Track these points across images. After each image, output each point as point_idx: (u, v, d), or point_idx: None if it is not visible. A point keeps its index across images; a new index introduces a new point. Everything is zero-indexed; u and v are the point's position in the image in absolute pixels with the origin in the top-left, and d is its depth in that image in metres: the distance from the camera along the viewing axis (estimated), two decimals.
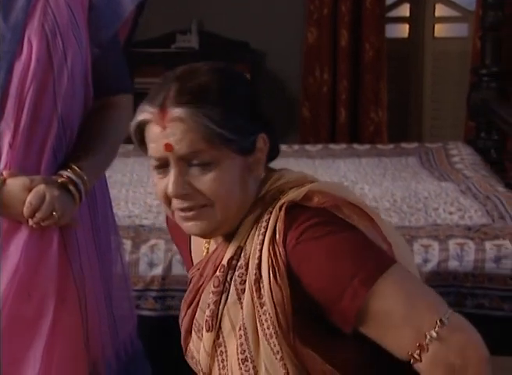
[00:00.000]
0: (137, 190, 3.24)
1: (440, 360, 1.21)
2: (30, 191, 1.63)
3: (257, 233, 1.32)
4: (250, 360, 1.30)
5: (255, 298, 1.30)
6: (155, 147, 1.30)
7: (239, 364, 1.31)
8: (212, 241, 1.43)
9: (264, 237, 1.31)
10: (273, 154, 1.40)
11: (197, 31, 4.81)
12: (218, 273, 1.35)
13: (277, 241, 1.29)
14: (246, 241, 1.34)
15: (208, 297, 1.36)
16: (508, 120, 3.67)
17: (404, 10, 5.13)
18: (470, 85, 4.33)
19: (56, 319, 1.69)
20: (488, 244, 2.65)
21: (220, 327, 1.34)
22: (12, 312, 1.63)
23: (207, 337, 1.36)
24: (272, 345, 1.29)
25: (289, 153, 3.78)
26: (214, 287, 1.35)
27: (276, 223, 1.30)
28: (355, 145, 4.10)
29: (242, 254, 1.33)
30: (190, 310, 1.42)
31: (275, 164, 1.47)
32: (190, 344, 1.43)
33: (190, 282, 1.44)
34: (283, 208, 1.31)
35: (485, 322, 2.17)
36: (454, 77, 4.98)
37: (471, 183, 3.25)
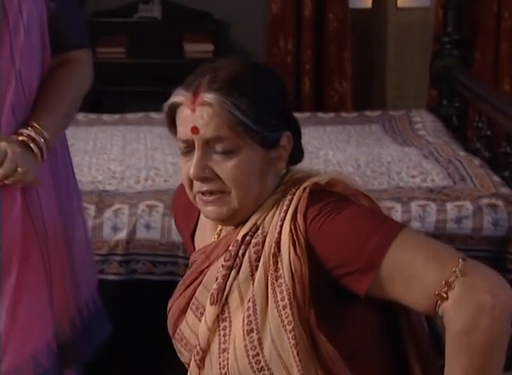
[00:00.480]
0: (100, 157, 3.22)
1: (468, 297, 1.23)
2: None
3: (277, 211, 1.37)
4: (255, 331, 1.33)
5: (271, 271, 1.33)
6: (183, 130, 1.36)
7: (243, 335, 1.33)
8: (224, 231, 1.46)
9: (286, 214, 1.36)
10: (298, 157, 1.45)
11: (160, 1, 4.76)
12: (230, 247, 1.39)
13: (298, 216, 1.34)
14: (264, 219, 1.38)
15: (215, 273, 1.39)
16: (470, 87, 3.70)
17: None
18: (432, 54, 4.35)
19: (20, 276, 1.69)
20: (449, 205, 2.69)
21: (227, 302, 1.37)
22: None
23: (210, 310, 1.37)
24: (284, 316, 1.32)
25: None
26: (225, 261, 1.38)
27: (299, 202, 1.36)
28: (319, 114, 4.11)
29: (259, 232, 1.37)
30: (188, 291, 1.44)
31: None
32: (181, 326, 1.45)
33: (192, 265, 1.47)
34: (307, 189, 1.37)
35: None
36: (417, 47, 4.99)
37: (434, 148, 3.28)
